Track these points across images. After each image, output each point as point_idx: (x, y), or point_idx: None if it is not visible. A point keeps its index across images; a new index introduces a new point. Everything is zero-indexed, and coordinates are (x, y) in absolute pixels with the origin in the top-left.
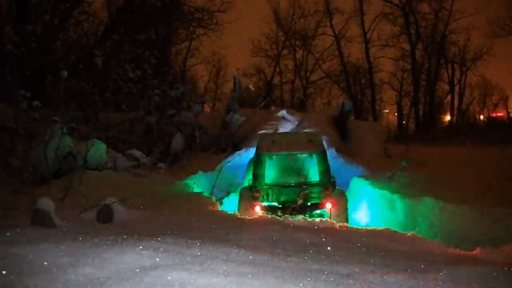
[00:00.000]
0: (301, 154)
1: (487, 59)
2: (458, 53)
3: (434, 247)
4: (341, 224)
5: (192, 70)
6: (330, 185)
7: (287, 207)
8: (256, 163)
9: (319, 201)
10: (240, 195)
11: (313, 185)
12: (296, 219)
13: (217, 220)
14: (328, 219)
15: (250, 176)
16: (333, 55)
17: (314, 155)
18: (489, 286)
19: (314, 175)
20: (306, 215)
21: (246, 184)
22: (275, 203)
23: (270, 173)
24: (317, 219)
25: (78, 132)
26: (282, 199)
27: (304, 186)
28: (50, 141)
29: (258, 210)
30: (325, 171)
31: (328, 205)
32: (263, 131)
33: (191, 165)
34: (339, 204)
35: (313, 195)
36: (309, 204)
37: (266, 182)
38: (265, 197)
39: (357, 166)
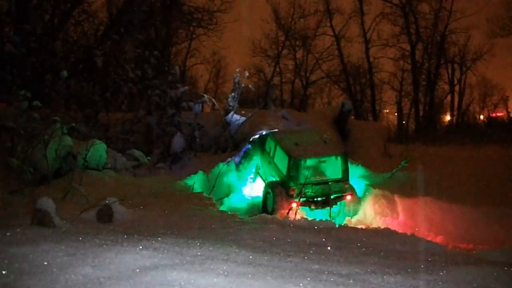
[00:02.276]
0: (329, 157)
1: (487, 59)
2: (458, 53)
3: (434, 247)
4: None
5: (192, 70)
6: (348, 180)
7: (318, 201)
8: (291, 166)
9: (342, 194)
10: (274, 193)
11: (336, 181)
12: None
13: (217, 220)
14: (346, 209)
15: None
16: (333, 55)
17: (338, 157)
18: (489, 286)
19: (337, 173)
20: (332, 207)
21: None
22: (306, 198)
23: (303, 173)
24: (317, 219)
25: (78, 132)
26: (313, 194)
27: (330, 183)
28: (50, 141)
29: (294, 206)
30: (346, 169)
31: (348, 197)
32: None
33: (191, 165)
34: (354, 195)
35: (336, 189)
36: (333, 197)
37: (300, 181)
38: (299, 194)
39: (357, 166)
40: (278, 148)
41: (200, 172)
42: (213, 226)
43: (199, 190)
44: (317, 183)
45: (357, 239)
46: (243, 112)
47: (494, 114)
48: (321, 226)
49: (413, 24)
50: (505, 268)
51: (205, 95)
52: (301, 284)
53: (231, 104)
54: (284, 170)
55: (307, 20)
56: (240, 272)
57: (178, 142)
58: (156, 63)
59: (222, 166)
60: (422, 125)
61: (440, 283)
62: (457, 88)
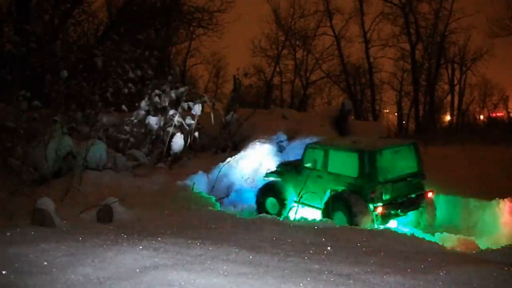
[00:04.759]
0: (402, 147)
1: (487, 59)
2: (458, 53)
3: (434, 247)
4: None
5: (192, 70)
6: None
7: (403, 203)
8: (365, 162)
9: (422, 192)
10: (351, 202)
11: (413, 176)
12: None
13: (217, 220)
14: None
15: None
16: (333, 55)
17: (411, 147)
18: (489, 286)
19: (412, 166)
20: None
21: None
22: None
23: (382, 169)
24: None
25: (78, 132)
26: (394, 195)
27: (408, 179)
28: (50, 141)
29: (380, 211)
30: (420, 161)
31: (430, 194)
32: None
33: (191, 165)
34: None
35: (416, 186)
36: (414, 196)
37: (379, 180)
38: (380, 197)
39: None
40: (333, 153)
41: (200, 172)
42: (213, 226)
43: (199, 190)
44: (397, 180)
45: (357, 239)
46: (243, 112)
47: (494, 114)
48: (321, 226)
49: (413, 24)
50: (505, 268)
51: (205, 95)
52: (301, 284)
53: (231, 104)
54: (353, 172)
55: (307, 20)
56: (240, 272)
57: (178, 142)
58: (156, 63)
59: (222, 166)
60: (422, 125)
61: (440, 283)
62: (457, 88)
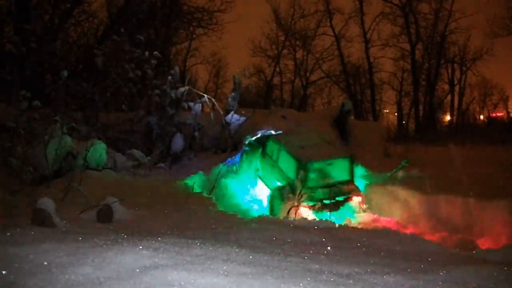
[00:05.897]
0: (336, 159)
1: (487, 59)
2: (458, 53)
3: (434, 247)
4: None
5: (192, 70)
6: (354, 181)
7: (326, 204)
8: (299, 170)
9: (349, 196)
10: (282, 197)
11: (343, 183)
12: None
13: (217, 220)
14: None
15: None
16: (333, 55)
17: (345, 159)
18: (489, 286)
19: (344, 174)
20: (339, 209)
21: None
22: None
23: (312, 177)
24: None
25: (78, 132)
26: (322, 197)
27: (337, 185)
28: (50, 141)
29: (305, 209)
30: (352, 170)
31: (354, 198)
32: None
33: (191, 165)
34: (361, 196)
35: (344, 191)
36: (340, 199)
37: (309, 185)
38: (308, 198)
39: (357, 166)
40: (282, 152)
41: (200, 172)
42: (213, 226)
43: (199, 190)
44: (326, 186)
45: (357, 239)
46: (243, 112)
47: (494, 114)
48: (321, 226)
49: (413, 24)
50: (505, 268)
51: (205, 95)
52: (301, 284)
53: (231, 104)
54: (291, 174)
55: (307, 20)
56: (240, 272)
57: (178, 142)
58: (156, 63)
59: (222, 166)
60: (422, 125)
61: (440, 283)
62: (457, 88)
